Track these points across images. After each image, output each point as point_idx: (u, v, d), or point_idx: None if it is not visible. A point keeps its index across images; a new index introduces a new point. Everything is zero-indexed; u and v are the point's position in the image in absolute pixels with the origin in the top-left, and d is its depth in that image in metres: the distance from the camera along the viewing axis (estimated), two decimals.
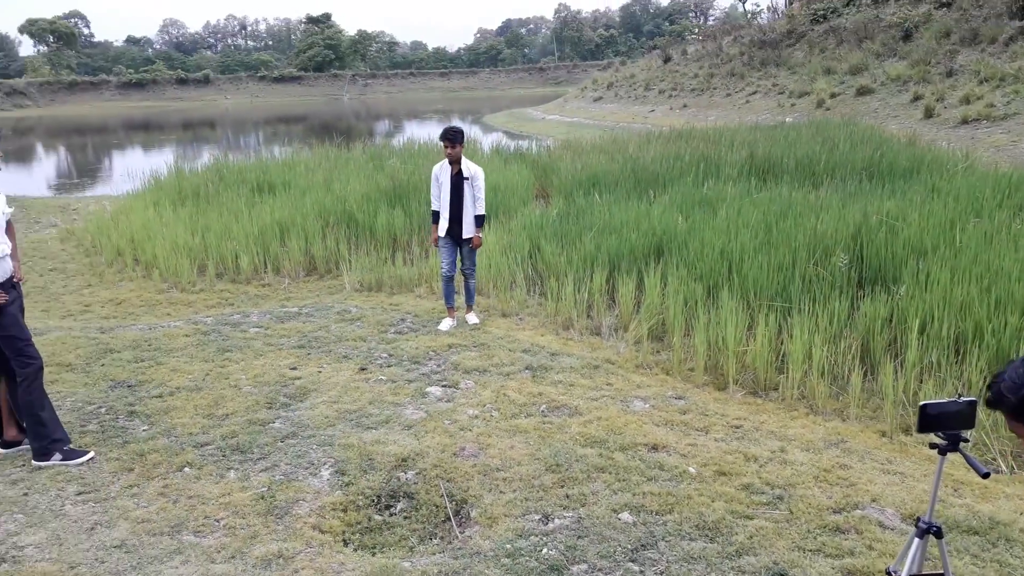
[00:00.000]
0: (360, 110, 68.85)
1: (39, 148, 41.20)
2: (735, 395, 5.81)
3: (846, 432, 5.04)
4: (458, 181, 7.09)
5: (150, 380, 5.99)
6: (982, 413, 4.94)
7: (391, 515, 4.24)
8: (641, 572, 3.52)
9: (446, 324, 7.23)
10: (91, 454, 4.74)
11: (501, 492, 4.25)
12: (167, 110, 72.83)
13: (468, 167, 7.10)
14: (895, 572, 2.44)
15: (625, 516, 3.96)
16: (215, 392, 5.72)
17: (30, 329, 7.43)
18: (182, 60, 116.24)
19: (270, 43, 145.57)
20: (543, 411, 5.32)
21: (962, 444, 2.32)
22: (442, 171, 7.13)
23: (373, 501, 4.32)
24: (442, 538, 4.02)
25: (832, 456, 4.63)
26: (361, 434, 4.96)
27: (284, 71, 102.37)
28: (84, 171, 29.33)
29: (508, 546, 3.74)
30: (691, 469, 4.44)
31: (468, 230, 7.13)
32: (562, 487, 4.28)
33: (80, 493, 4.28)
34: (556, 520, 3.96)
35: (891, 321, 6.06)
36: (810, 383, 5.62)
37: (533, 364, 6.23)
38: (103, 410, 5.42)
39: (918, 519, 2.41)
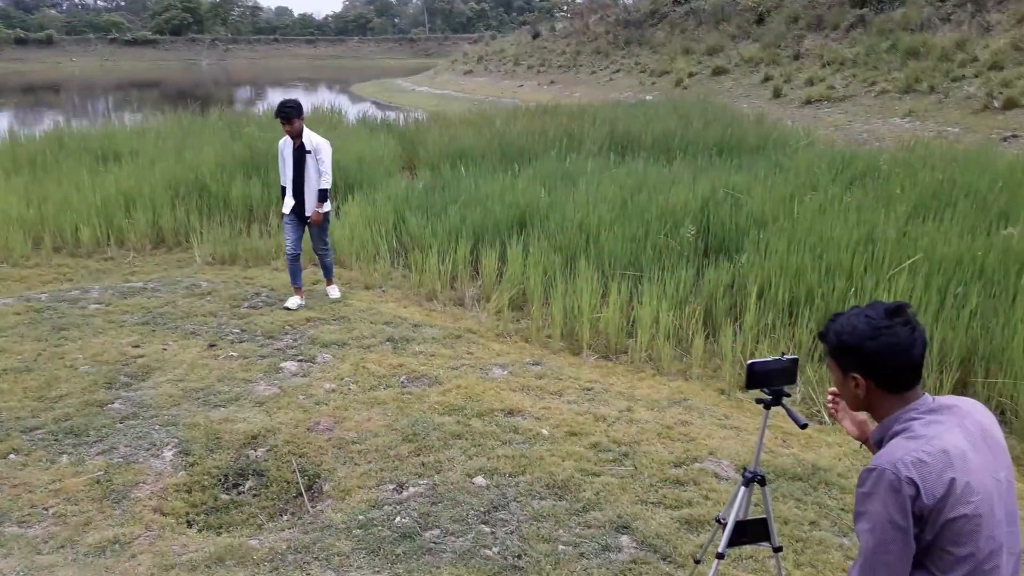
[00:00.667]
0: (220, 77, 65.50)
1: None
2: (588, 359, 5.99)
3: (688, 391, 5.31)
4: (300, 155, 6.73)
5: None
6: (809, 370, 5.33)
7: (239, 494, 4.12)
8: (492, 533, 3.59)
9: (293, 302, 6.84)
10: None
11: (356, 464, 4.21)
12: (5, 72, 66.67)
13: (311, 139, 6.73)
14: (723, 519, 2.59)
15: (479, 480, 4.02)
16: (48, 373, 5.35)
17: None
18: (21, 18, 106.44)
19: (122, 3, 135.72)
20: (403, 382, 5.30)
21: (785, 399, 2.48)
22: (285, 145, 6.82)
23: (219, 480, 4.18)
24: (293, 514, 3.95)
25: (675, 414, 4.86)
26: (208, 412, 4.78)
27: (137, 34, 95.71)
28: None
29: (360, 517, 3.71)
30: (544, 431, 4.55)
31: (312, 206, 6.80)
32: (418, 456, 4.28)
33: None
34: (411, 488, 3.97)
35: (732, 287, 6.41)
36: (657, 346, 5.88)
37: (395, 336, 6.18)
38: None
39: (744, 469, 2.57)
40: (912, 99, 17.36)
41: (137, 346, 5.88)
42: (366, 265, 8.09)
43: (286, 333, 6.23)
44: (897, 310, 1.93)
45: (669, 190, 8.65)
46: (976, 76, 17.23)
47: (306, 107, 20.25)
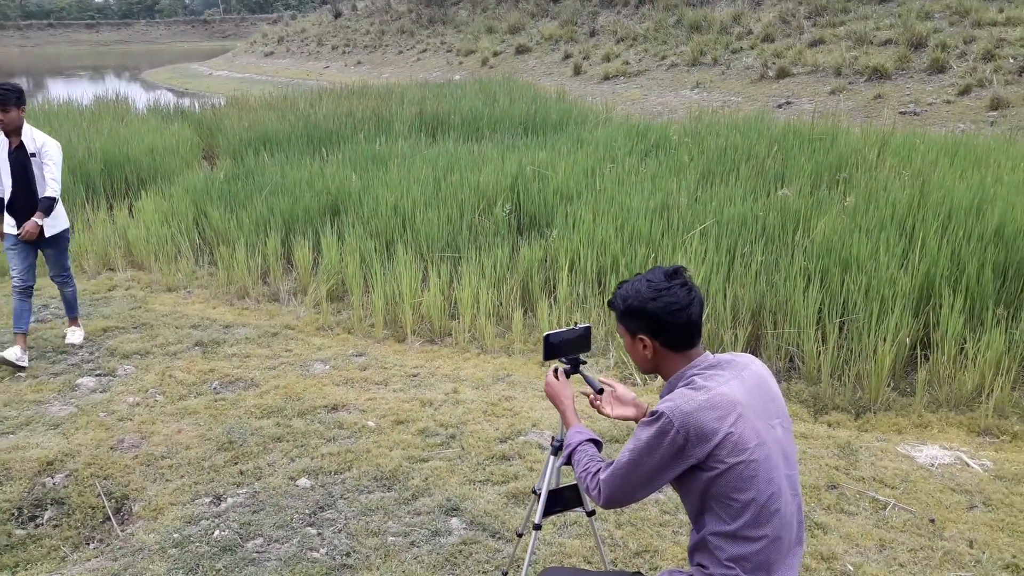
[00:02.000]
0: None
1: None
2: (413, 345, 5.98)
3: (511, 367, 5.44)
4: (20, 158, 5.29)
5: None
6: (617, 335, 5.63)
7: (36, 527, 3.75)
8: (319, 534, 3.51)
9: (12, 353, 5.29)
10: None
11: (167, 480, 3.96)
12: None
13: (34, 138, 5.32)
14: (538, 490, 2.68)
15: (303, 481, 3.91)
16: None
17: None
18: None
19: None
20: (215, 388, 5.03)
21: (582, 366, 2.59)
22: None
23: (13, 515, 3.78)
24: (101, 540, 3.66)
25: (499, 390, 4.97)
26: None
27: None
28: None
29: (175, 535, 3.50)
30: (370, 423, 4.50)
31: (47, 223, 5.38)
32: (236, 464, 4.10)
33: None
34: (229, 499, 3.79)
35: (546, 262, 6.62)
36: (479, 325, 5.97)
37: (204, 339, 5.86)
38: None
39: (552, 438, 2.66)
40: (699, 71, 18.62)
41: None
42: (166, 265, 7.59)
43: (81, 347, 5.73)
44: (674, 273, 2.09)
45: (481, 170, 8.76)
46: (752, 48, 18.76)
47: (88, 96, 18.64)
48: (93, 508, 3.83)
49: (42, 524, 3.78)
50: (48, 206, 5.32)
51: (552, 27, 26.18)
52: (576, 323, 2.62)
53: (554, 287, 6.34)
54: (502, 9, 30.96)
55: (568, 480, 2.92)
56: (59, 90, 28.92)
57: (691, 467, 1.96)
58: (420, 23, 34.51)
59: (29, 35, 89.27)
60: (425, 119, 13.16)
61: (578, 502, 2.74)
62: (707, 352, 2.13)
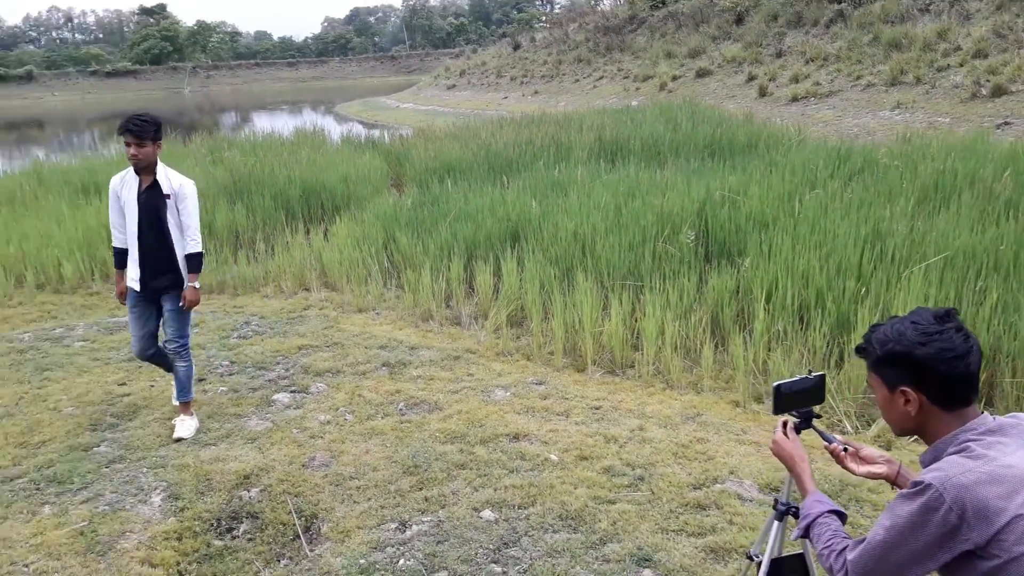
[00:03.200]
0: (203, 103, 65.35)
1: None
2: (594, 375, 5.77)
3: (701, 405, 5.09)
4: (153, 200, 4.59)
5: None
6: (828, 377, 5.11)
7: (233, 539, 3.86)
8: (504, 573, 3.35)
9: (186, 427, 4.77)
10: None
11: (355, 502, 3.97)
12: None
13: (169, 178, 4.63)
14: (756, 556, 2.37)
15: (487, 514, 3.78)
16: (30, 417, 5.09)
17: None
18: (3, 56, 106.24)
19: (100, 36, 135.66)
20: (401, 409, 5.06)
21: (815, 420, 2.27)
22: (123, 186, 4.65)
23: (212, 525, 3.92)
24: (291, 558, 3.70)
25: (689, 430, 4.64)
26: (198, 452, 4.53)
27: (117, 65, 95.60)
28: None
29: (362, 561, 3.47)
30: (553, 456, 4.32)
31: (181, 280, 4.74)
32: (420, 490, 4.04)
33: None
34: (414, 527, 3.72)
35: (738, 293, 6.20)
36: (664, 358, 5.66)
37: (391, 360, 5.95)
38: None
39: (776, 501, 2.34)
40: (899, 91, 17.26)
41: (123, 384, 5.63)
42: (357, 287, 7.86)
43: (278, 363, 5.98)
44: (946, 315, 1.75)
45: (664, 195, 8.46)
46: (961, 65, 17.16)
47: (288, 128, 20.08)
48: (284, 525, 3.90)
49: (238, 536, 3.89)
50: (197, 263, 4.69)
51: (735, 49, 25.37)
52: (810, 371, 2.30)
53: (748, 320, 5.91)
54: (682, 34, 30.45)
55: (792, 548, 2.57)
56: (263, 123, 31.60)
57: (965, 553, 1.60)
58: (597, 51, 34.66)
59: (239, 74, 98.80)
60: (604, 145, 13.02)
61: (803, 574, 2.39)
62: (985, 413, 1.76)
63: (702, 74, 25.15)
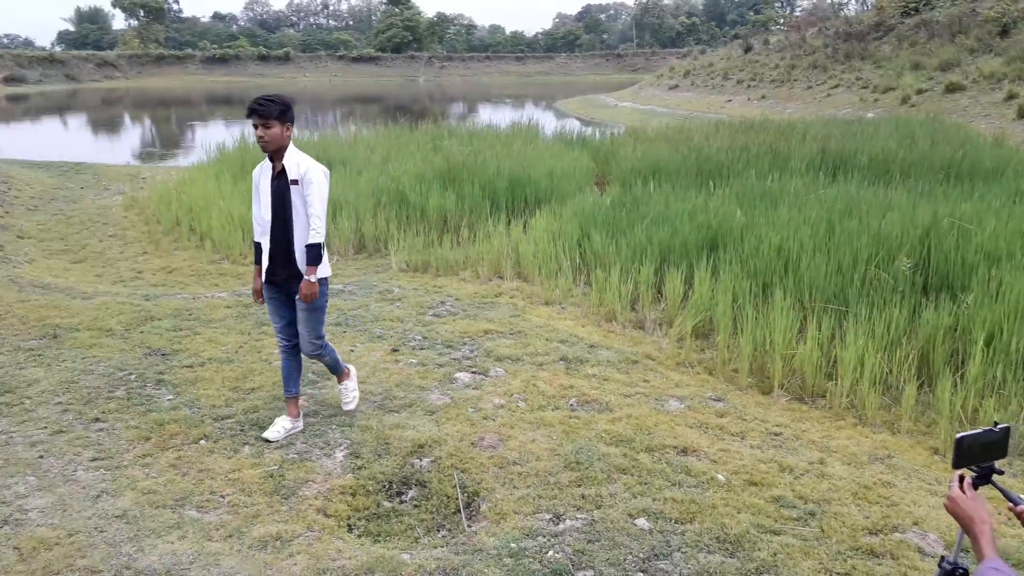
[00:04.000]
0: (435, 92, 69.20)
1: (126, 118, 42.69)
2: (779, 400, 5.48)
3: (895, 447, 4.68)
4: (281, 189, 4.35)
5: (184, 349, 6.00)
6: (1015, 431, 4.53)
7: (400, 503, 4.11)
8: None
9: (279, 428, 4.59)
10: None
11: (515, 487, 4.07)
12: (248, 86, 74.48)
13: (297, 163, 4.36)
14: None
15: (641, 522, 3.74)
16: (245, 365, 5.70)
17: (81, 292, 7.58)
18: (264, 37, 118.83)
19: (351, 23, 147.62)
20: (572, 405, 5.11)
21: (996, 476, 2.03)
22: (261, 174, 4.46)
23: (384, 487, 4.19)
24: (450, 531, 3.87)
25: (875, 472, 4.29)
26: (382, 417, 4.84)
27: (363, 51, 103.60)
28: (165, 142, 30.23)
29: (513, 545, 3.56)
30: (720, 476, 4.17)
31: (301, 268, 4.43)
32: (579, 486, 4.07)
33: (94, 459, 4.28)
34: (567, 521, 3.76)
35: (955, 331, 5.62)
36: (860, 392, 5.26)
37: (569, 355, 6.01)
38: (132, 377, 5.45)
39: (942, 559, 2.12)
40: None
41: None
42: (547, 280, 8.00)
43: (464, 344, 6.25)
44: None
45: (884, 216, 7.83)
46: None
47: (507, 121, 20.63)
48: (448, 497, 4.08)
49: (405, 501, 4.12)
50: (316, 256, 4.32)
51: (995, 64, 22.84)
52: (995, 423, 2.06)
53: (962, 363, 5.35)
54: (934, 44, 27.86)
55: None
56: (486, 114, 32.89)
57: None
58: (835, 58, 32.61)
59: (470, 65, 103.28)
60: (827, 157, 12.25)
61: None
62: None
63: (952, 89, 22.90)
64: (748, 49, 42.76)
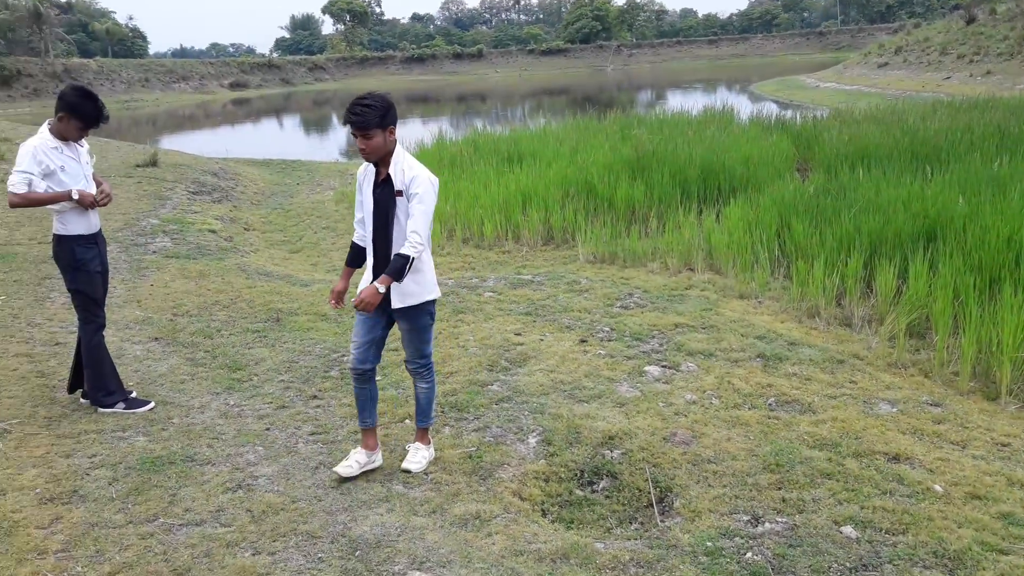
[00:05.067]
0: (622, 81, 68.74)
1: (333, 118, 46.03)
2: (1007, 407, 4.96)
3: None
4: (383, 199, 3.96)
5: (390, 334, 6.37)
6: None
7: (592, 492, 4.15)
8: None
9: (349, 466, 4.12)
10: (151, 404, 5.00)
11: (710, 485, 3.98)
12: (442, 84, 77.91)
13: (403, 170, 3.90)
14: None
15: (848, 530, 3.53)
16: (444, 350, 5.97)
17: (299, 280, 8.27)
18: (459, 35, 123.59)
19: (541, 16, 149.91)
20: (770, 404, 4.90)
21: None
22: (366, 177, 4.06)
23: (576, 475, 4.25)
24: (641, 523, 3.86)
25: None
26: (572, 406, 4.91)
27: (552, 44, 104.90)
28: None
29: (709, 544, 3.48)
30: (936, 487, 3.85)
31: (396, 290, 3.94)
32: (779, 489, 3.91)
33: (312, 433, 4.67)
34: (767, 524, 3.62)
35: None
36: None
37: (766, 352, 5.77)
38: (345, 359, 5.88)
39: None
40: None
41: (519, 334, 6.29)
42: (742, 273, 7.72)
43: (653, 336, 6.17)
44: None
45: None
46: None
47: (699, 106, 20.15)
48: (640, 491, 4.07)
49: (597, 491, 4.16)
50: (399, 267, 3.81)
51: None
52: None
53: None
54: None
55: None
56: (675, 101, 32.21)
57: None
58: None
59: (660, 52, 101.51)
60: None
61: None
62: None
63: None
64: (971, 20, 38.74)
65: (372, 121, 3.75)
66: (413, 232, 3.84)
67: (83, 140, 4.88)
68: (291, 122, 44.60)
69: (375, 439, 4.26)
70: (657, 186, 10.32)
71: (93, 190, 4.82)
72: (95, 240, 4.89)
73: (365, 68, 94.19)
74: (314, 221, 12.25)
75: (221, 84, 78.09)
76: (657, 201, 10.12)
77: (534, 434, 4.59)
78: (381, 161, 3.91)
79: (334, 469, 4.12)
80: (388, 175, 3.92)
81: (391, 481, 4.11)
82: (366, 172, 4.06)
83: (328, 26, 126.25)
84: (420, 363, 4.29)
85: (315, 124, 41.82)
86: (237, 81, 79.37)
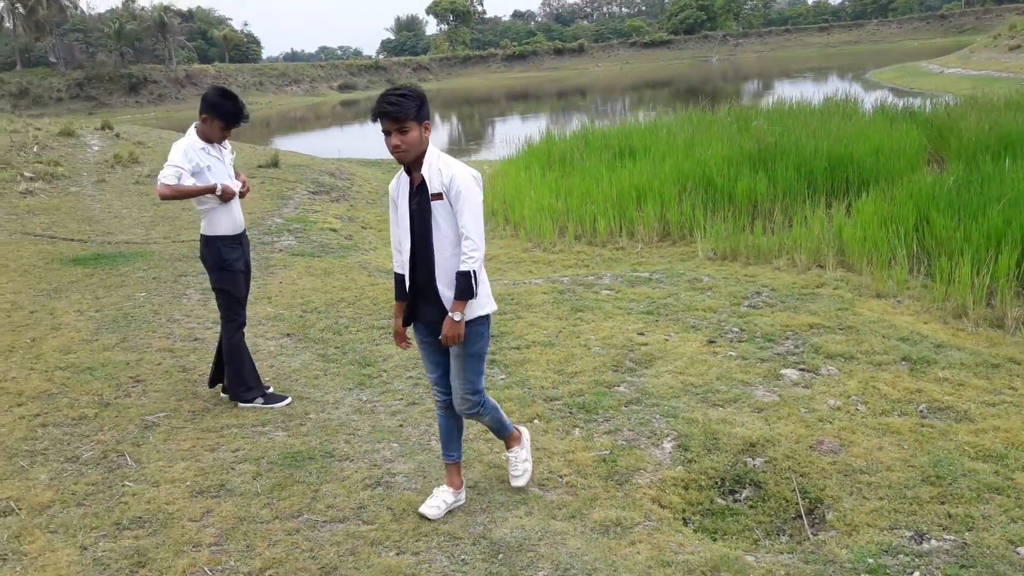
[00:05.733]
0: (728, 72, 66.92)
1: (436, 117, 46.78)
2: None
3: None
4: (421, 207, 3.42)
5: (510, 332, 6.36)
6: None
7: (735, 501, 3.98)
8: None
9: (435, 506, 3.73)
10: (289, 399, 5.13)
11: (864, 498, 3.74)
12: (543, 80, 77.89)
13: (439, 170, 3.40)
14: None
15: None
16: (566, 350, 5.89)
17: None
18: (560, 31, 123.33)
19: (643, 8, 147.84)
20: (921, 411, 4.59)
21: None
22: (399, 190, 3.54)
23: (716, 483, 4.09)
24: (791, 536, 3.68)
25: None
26: (707, 410, 4.73)
27: (654, 36, 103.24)
28: (469, 137, 32.63)
29: (870, 560, 3.27)
30: None
31: (446, 304, 3.47)
32: (942, 503, 3.64)
33: None
34: (932, 541, 3.37)
35: None
36: None
37: (912, 355, 5.42)
38: None
39: None
40: None
41: (642, 334, 6.14)
42: (878, 271, 7.30)
43: (787, 338, 5.91)
44: None
45: None
46: None
47: (817, 96, 19.35)
48: (786, 501, 3.88)
49: (739, 501, 3.99)
50: (467, 287, 3.35)
51: None
52: None
53: None
54: None
55: None
56: (785, 90, 31.01)
57: None
58: None
59: (767, 40, 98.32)
60: None
61: None
62: None
63: None
64: None
65: (409, 111, 3.28)
66: (467, 240, 3.33)
67: (226, 141, 5.06)
68: None
69: (460, 476, 3.85)
70: (780, 179, 9.90)
71: (236, 188, 4.98)
72: (240, 240, 5.06)
73: (467, 67, 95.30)
74: None
75: (330, 86, 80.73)
76: (781, 195, 9.72)
77: (668, 439, 4.46)
78: (414, 163, 3.40)
79: (420, 510, 3.73)
80: (423, 179, 3.37)
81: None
82: (399, 184, 3.51)
83: (432, 26, 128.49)
84: (473, 401, 3.64)
85: None
86: (345, 83, 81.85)
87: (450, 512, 3.77)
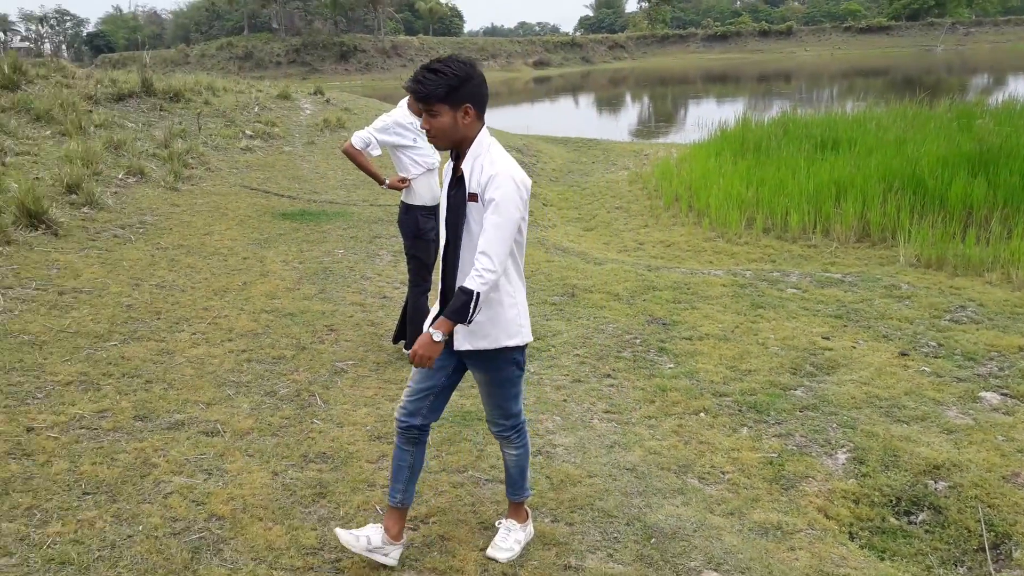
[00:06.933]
0: (954, 63, 61.03)
1: (627, 97, 46.34)
2: None
3: None
4: (457, 202, 2.99)
5: (683, 322, 6.28)
6: None
7: (909, 523, 3.75)
8: None
9: (348, 540, 3.12)
10: None
11: None
12: (745, 62, 74.68)
13: (482, 165, 2.91)
14: None
15: None
16: (741, 346, 5.74)
17: (593, 257, 8.44)
18: (767, 12, 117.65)
19: None
20: None
21: None
22: (447, 178, 3.09)
23: (891, 501, 3.87)
24: (970, 568, 3.43)
25: None
26: (889, 425, 4.46)
27: (872, 21, 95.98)
28: (661, 119, 32.06)
29: None
30: None
31: (463, 333, 3.01)
32: None
33: (607, 411, 4.73)
34: None
35: None
36: None
37: None
38: (637, 341, 5.88)
39: None
40: None
41: (827, 338, 5.86)
42: None
43: (991, 359, 5.42)
44: None
45: None
46: None
47: None
48: (968, 531, 3.61)
49: (915, 523, 3.76)
50: (460, 306, 2.79)
51: None
52: None
53: None
54: None
55: None
56: (1021, 88, 27.88)
57: None
58: None
59: (1004, 31, 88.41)
60: None
61: None
62: None
63: None
64: None
65: (435, 92, 2.81)
66: (482, 254, 2.80)
67: None
68: (586, 100, 45.60)
69: (401, 525, 3.20)
70: (1003, 185, 8.99)
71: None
72: (435, 212, 5.34)
73: (664, 46, 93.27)
74: (608, 200, 12.42)
75: (525, 62, 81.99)
76: (1002, 203, 8.82)
77: (843, 450, 4.25)
78: (459, 151, 2.98)
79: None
80: (463, 172, 2.93)
81: (686, 473, 4.04)
82: (446, 172, 3.08)
83: (632, 4, 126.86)
84: (504, 425, 3.24)
85: (608, 103, 42.36)
86: (540, 59, 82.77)
87: (606, 490, 3.82)
